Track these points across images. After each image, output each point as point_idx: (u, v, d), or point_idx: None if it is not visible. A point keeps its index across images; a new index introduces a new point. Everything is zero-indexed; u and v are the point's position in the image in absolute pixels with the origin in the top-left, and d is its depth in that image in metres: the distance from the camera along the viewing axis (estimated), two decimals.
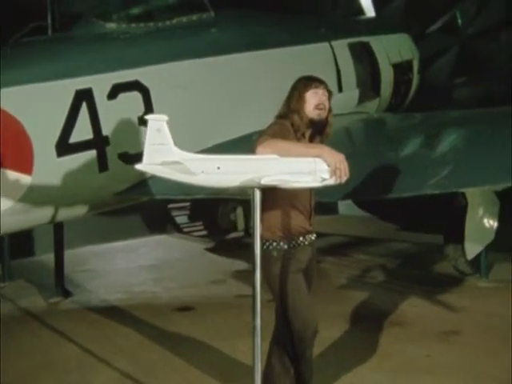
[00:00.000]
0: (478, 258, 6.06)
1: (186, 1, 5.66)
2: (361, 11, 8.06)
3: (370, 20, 7.62)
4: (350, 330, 4.83)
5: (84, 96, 4.62)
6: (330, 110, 3.23)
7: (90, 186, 4.77)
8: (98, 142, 4.71)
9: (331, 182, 2.83)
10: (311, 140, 3.21)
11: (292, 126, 3.15)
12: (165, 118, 2.69)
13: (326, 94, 3.23)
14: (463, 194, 5.86)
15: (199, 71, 5.31)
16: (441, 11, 12.40)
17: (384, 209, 8.35)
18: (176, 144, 5.46)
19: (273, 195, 2.99)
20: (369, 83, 6.85)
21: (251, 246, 2.92)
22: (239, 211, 6.74)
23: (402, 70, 7.29)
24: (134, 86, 4.90)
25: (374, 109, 7.01)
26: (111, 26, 5.15)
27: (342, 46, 6.54)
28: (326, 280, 6.31)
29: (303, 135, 3.18)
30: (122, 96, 4.82)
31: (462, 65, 12.27)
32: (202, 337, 4.65)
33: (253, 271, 2.96)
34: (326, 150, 2.85)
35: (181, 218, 9.26)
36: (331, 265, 7.02)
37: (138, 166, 2.77)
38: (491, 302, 5.48)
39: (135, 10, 5.36)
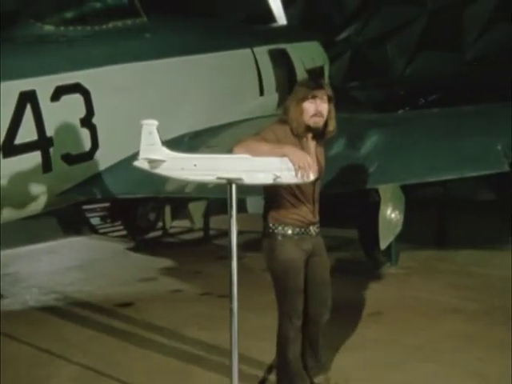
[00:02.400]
0: (388, 248, 6.68)
1: (121, 6, 5.80)
2: (264, 15, 8.48)
3: (285, 28, 8.08)
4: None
5: (28, 98, 4.69)
6: (330, 112, 3.30)
7: (35, 187, 4.82)
8: (43, 143, 4.79)
9: (285, 180, 3.05)
10: (313, 141, 3.38)
11: (292, 130, 3.30)
12: (155, 123, 3.02)
13: (325, 98, 3.27)
14: (377, 191, 6.43)
15: (137, 74, 5.50)
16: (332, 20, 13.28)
17: None
18: (117, 143, 5.65)
19: (277, 188, 3.25)
20: (287, 88, 7.28)
21: (228, 237, 3.19)
22: (167, 210, 6.94)
23: (314, 75, 7.80)
24: (76, 88, 5.01)
25: None
26: (49, 28, 5.22)
27: (262, 52, 6.95)
28: (254, 273, 6.68)
29: (305, 137, 3.33)
30: (64, 98, 4.92)
31: (355, 70, 13.21)
32: (150, 329, 4.85)
33: (230, 259, 3.22)
34: (291, 151, 3.04)
35: (95, 220, 9.29)
36: (254, 260, 7.38)
37: (136, 163, 3.00)
38: (403, 286, 6.11)
39: (72, 13, 5.45)
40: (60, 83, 4.87)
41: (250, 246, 8.15)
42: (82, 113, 5.05)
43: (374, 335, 4.68)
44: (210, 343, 4.52)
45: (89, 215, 9.10)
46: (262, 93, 6.85)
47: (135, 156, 5.57)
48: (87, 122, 5.08)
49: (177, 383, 3.91)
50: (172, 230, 9.03)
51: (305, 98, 3.25)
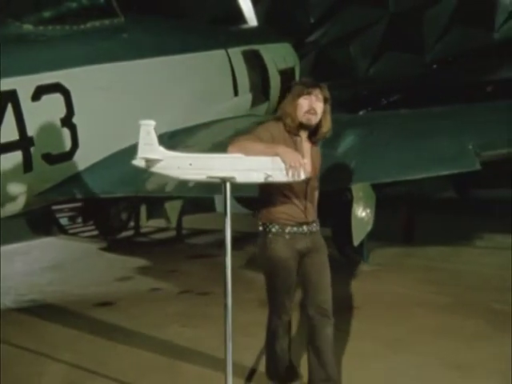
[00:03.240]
0: (360, 245, 6.85)
1: (98, 5, 5.81)
2: (231, 14, 8.58)
3: (257, 29, 8.19)
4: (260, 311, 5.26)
5: (9, 97, 4.67)
6: (325, 112, 3.33)
7: (15, 187, 4.81)
8: (24, 142, 4.79)
9: (276, 179, 3.12)
10: (308, 140, 3.40)
11: (285, 126, 3.34)
12: (153, 123, 3.08)
13: (321, 97, 3.31)
14: (349, 190, 6.58)
15: (115, 74, 5.52)
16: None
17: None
18: (97, 143, 5.68)
19: (269, 187, 3.31)
20: (260, 88, 7.42)
21: (223, 234, 3.27)
22: (143, 209, 6.97)
23: (286, 76, 7.95)
24: (56, 88, 5.02)
25: (264, 112, 7.60)
26: (28, 27, 5.20)
27: (236, 53, 7.05)
28: (233, 271, 6.76)
29: (298, 135, 3.36)
30: (45, 98, 4.92)
31: (319, 70, 13.40)
32: (134, 327, 4.89)
33: (224, 256, 3.30)
34: (283, 150, 3.09)
35: (64, 220, 9.22)
36: (232, 258, 7.46)
37: (134, 162, 3.07)
38: (376, 282, 6.29)
39: (51, 13, 5.43)
40: (41, 83, 4.87)
41: (222, 245, 8.26)
42: (63, 112, 5.06)
43: (353, 328, 4.83)
44: (194, 339, 4.60)
45: (58, 215, 9.02)
46: (236, 93, 6.95)
47: (114, 155, 5.68)
48: (67, 121, 5.09)
49: (167, 379, 3.97)
50: (143, 230, 9.05)
51: (300, 94, 3.30)
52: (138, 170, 5.55)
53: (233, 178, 3.16)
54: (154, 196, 6.02)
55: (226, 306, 3.33)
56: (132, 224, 8.92)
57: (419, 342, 4.52)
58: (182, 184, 5.12)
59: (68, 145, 5.15)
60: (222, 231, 3.28)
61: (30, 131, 4.80)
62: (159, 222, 8.48)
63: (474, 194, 11.69)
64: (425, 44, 12.88)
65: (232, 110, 6.88)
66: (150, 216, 7.04)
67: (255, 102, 7.30)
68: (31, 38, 5.10)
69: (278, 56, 7.82)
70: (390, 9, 12.98)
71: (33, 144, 4.83)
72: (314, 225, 3.46)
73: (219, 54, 6.80)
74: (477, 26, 12.21)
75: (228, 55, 6.88)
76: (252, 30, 8.04)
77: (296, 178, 3.10)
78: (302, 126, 3.34)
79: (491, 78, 12.44)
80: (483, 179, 9.84)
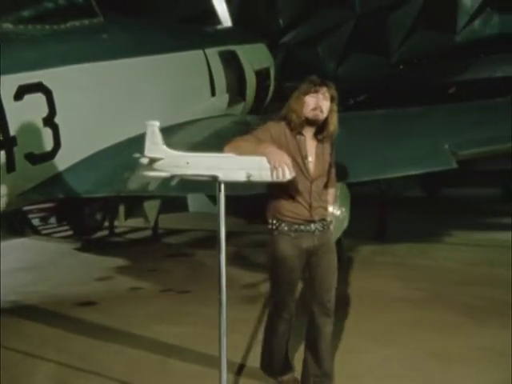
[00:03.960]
0: (337, 243, 6.97)
1: (77, 5, 5.80)
2: (205, 14, 8.63)
3: (233, 30, 8.25)
4: (244, 309, 5.33)
5: None
6: (331, 111, 3.33)
7: None
8: (6, 142, 4.75)
9: (259, 178, 3.17)
10: (314, 138, 3.38)
11: (289, 125, 3.34)
12: (157, 123, 3.19)
13: (328, 96, 3.31)
14: None
15: (96, 74, 5.51)
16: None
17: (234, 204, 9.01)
18: (78, 143, 5.68)
19: (275, 186, 3.33)
20: (236, 88, 7.49)
21: (216, 232, 3.35)
22: (121, 209, 6.97)
23: (262, 76, 8.05)
24: (38, 87, 4.99)
25: (240, 111, 7.68)
26: (8, 26, 5.14)
27: (214, 53, 7.10)
28: (210, 269, 6.84)
29: (302, 134, 3.36)
30: (27, 97, 4.89)
31: (288, 71, 13.51)
32: (120, 325, 4.93)
33: (218, 253, 3.38)
34: (270, 151, 3.13)
35: (36, 221, 9.15)
36: (206, 256, 7.54)
37: (141, 160, 3.15)
38: (352, 279, 6.40)
39: (30, 12, 5.39)
40: (23, 82, 4.82)
41: (198, 244, 8.34)
42: (45, 112, 5.03)
43: (336, 325, 4.89)
44: (181, 337, 4.66)
45: (30, 216, 8.95)
46: (213, 93, 7.01)
47: (96, 155, 5.68)
48: (49, 121, 5.07)
49: (158, 375, 4.02)
50: (118, 230, 9.04)
51: (307, 92, 3.30)
52: (119, 169, 5.67)
53: (216, 176, 3.24)
54: (135, 196, 6.03)
55: (220, 302, 3.40)
56: (107, 224, 8.90)
57: (401, 335, 4.68)
58: (164, 183, 5.16)
59: (50, 144, 5.12)
60: (216, 229, 3.36)
61: (13, 131, 4.75)
62: (135, 222, 8.48)
63: (440, 193, 12.02)
64: (390, 45, 13.10)
65: (209, 110, 6.94)
66: (128, 215, 7.06)
67: (232, 102, 7.37)
68: (11, 37, 5.06)
69: (254, 56, 7.91)
70: (357, 10, 13.16)
71: (16, 144, 4.78)
72: (323, 223, 3.44)
73: (197, 54, 6.85)
74: (440, 29, 12.50)
75: (205, 55, 6.93)
76: (228, 30, 8.11)
77: (281, 178, 3.13)
78: (308, 122, 3.34)
79: (453, 79, 12.79)
80: (449, 178, 10.14)
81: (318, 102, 3.29)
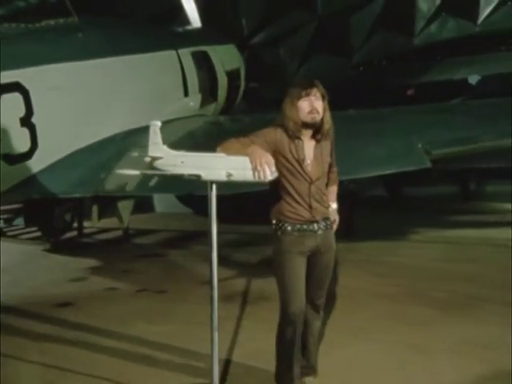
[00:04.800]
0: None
1: (51, 4, 5.76)
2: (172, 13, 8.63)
3: (204, 30, 8.28)
4: (227, 307, 5.37)
5: None
6: (325, 110, 3.36)
7: None
8: None
9: (239, 178, 3.26)
10: (312, 140, 3.41)
11: (287, 132, 3.36)
12: (159, 123, 3.31)
13: (319, 96, 3.34)
14: None
15: (73, 74, 5.50)
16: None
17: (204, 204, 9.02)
18: (55, 143, 5.67)
19: (275, 186, 3.38)
20: (208, 89, 7.54)
21: (208, 231, 3.40)
22: (94, 209, 6.91)
23: (233, 77, 8.12)
24: (15, 87, 4.96)
25: (212, 112, 7.73)
26: None
27: (186, 54, 7.14)
28: (183, 269, 6.90)
29: (300, 139, 3.38)
30: (4, 97, 4.86)
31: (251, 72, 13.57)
32: (100, 325, 4.91)
33: (210, 252, 3.43)
34: (251, 151, 3.20)
35: (1, 222, 8.99)
36: (177, 256, 7.56)
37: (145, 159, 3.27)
38: None
39: (4, 10, 5.35)
40: (0, 82, 4.80)
41: (169, 244, 8.34)
42: (22, 112, 5.01)
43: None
44: (163, 335, 4.68)
45: None
46: (186, 94, 7.04)
47: (73, 155, 5.66)
48: (27, 121, 5.05)
49: (145, 373, 4.04)
50: (87, 231, 8.96)
51: (299, 97, 3.33)
52: (96, 169, 5.65)
53: (199, 175, 3.32)
54: (109, 196, 6.02)
55: (211, 298, 3.47)
56: (75, 225, 8.81)
57: (377, 330, 4.80)
58: (143, 183, 5.19)
59: (27, 145, 5.10)
60: (207, 229, 3.41)
61: None
62: (104, 223, 8.41)
63: (402, 192, 12.29)
64: (351, 47, 13.29)
65: (182, 110, 6.98)
66: (101, 216, 7.01)
67: (204, 103, 7.41)
68: None
69: (225, 57, 7.98)
70: (318, 12, 13.31)
71: None
72: (326, 223, 3.47)
73: (170, 54, 6.87)
74: (399, 31, 12.77)
75: (178, 56, 6.96)
76: (199, 31, 8.13)
77: (262, 179, 3.18)
78: (305, 125, 3.36)
79: (412, 81, 13.10)
80: (410, 178, 10.39)
81: (313, 104, 3.33)
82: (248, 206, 7.62)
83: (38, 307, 5.44)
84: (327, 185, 3.53)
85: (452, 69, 13.19)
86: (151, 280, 6.50)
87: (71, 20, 5.79)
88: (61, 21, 5.69)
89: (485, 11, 12.52)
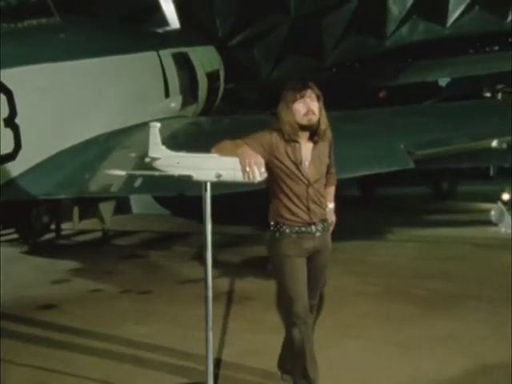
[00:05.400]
0: None
1: (34, 4, 5.72)
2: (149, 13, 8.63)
3: (183, 32, 8.30)
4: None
5: None
6: (321, 111, 3.33)
7: None
8: None
9: (229, 178, 3.30)
10: (309, 142, 3.41)
11: (283, 135, 3.31)
12: (158, 124, 3.32)
13: (314, 97, 3.30)
14: None
15: (56, 75, 5.49)
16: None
17: (182, 205, 9.02)
18: (39, 144, 5.65)
19: (273, 188, 3.40)
20: (189, 90, 7.56)
21: (203, 232, 3.43)
22: (75, 210, 6.85)
23: (212, 78, 8.15)
24: None
25: (192, 113, 7.76)
26: None
27: (167, 55, 7.15)
28: (166, 270, 6.90)
29: (297, 141, 3.34)
30: None
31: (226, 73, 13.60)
32: (87, 326, 4.90)
33: (204, 252, 3.46)
34: (242, 153, 3.22)
35: None
36: (159, 257, 7.56)
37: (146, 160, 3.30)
38: None
39: None
40: None
41: (149, 245, 8.32)
42: (6, 113, 4.98)
43: None
44: (152, 336, 4.70)
45: None
46: (167, 95, 7.05)
47: (56, 156, 5.64)
48: (10, 122, 5.02)
49: (137, 372, 4.06)
50: (65, 232, 8.88)
51: (294, 100, 3.29)
52: (80, 170, 5.63)
53: (190, 176, 3.35)
54: (95, 197, 6.00)
55: (206, 298, 3.50)
56: (54, 226, 8.72)
57: (359, 328, 4.88)
58: (128, 184, 5.20)
59: (11, 146, 5.07)
60: (203, 230, 3.44)
61: None
62: (82, 224, 8.36)
63: (375, 192, 12.45)
64: (324, 49, 13.41)
65: (163, 111, 6.99)
66: (82, 217, 6.96)
67: (185, 104, 7.44)
68: None
69: (205, 59, 8.02)
70: (292, 13, 13.40)
71: None
72: (323, 225, 3.45)
73: (152, 55, 6.88)
74: (370, 34, 12.96)
75: (159, 57, 6.97)
76: (179, 32, 8.15)
77: (251, 179, 3.22)
78: (302, 128, 3.33)
79: (384, 83, 13.30)
80: (384, 178, 10.55)
81: (308, 106, 3.29)
82: (230, 206, 7.67)
83: (22, 310, 5.39)
84: (325, 186, 3.53)
85: (423, 71, 13.42)
86: (134, 281, 6.48)
87: (53, 20, 5.77)
88: (43, 21, 5.67)
89: (453, 15, 12.83)
